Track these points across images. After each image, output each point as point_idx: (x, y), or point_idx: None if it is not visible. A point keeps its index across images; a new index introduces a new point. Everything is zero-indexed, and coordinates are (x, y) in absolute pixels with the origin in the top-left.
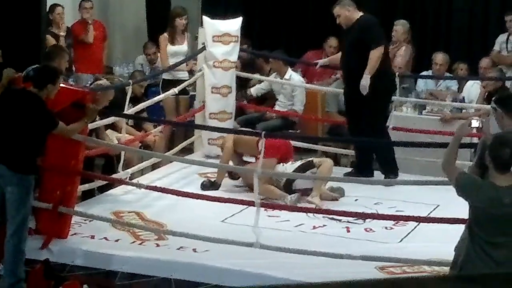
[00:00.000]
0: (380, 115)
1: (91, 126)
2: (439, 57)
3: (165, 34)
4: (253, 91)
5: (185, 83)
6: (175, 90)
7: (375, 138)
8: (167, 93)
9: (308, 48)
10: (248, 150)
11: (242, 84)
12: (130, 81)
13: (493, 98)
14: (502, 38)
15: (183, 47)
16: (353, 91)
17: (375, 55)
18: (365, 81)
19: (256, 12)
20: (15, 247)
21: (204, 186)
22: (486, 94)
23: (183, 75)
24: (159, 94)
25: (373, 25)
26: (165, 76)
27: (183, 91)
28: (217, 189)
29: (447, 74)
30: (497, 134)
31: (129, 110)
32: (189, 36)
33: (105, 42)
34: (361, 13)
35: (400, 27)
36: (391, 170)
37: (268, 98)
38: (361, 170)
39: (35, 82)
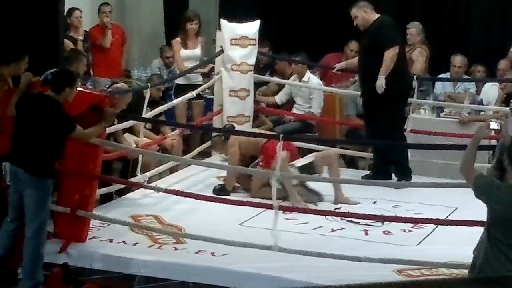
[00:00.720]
0: (396, 117)
1: (109, 130)
2: (458, 60)
3: (178, 39)
4: (278, 99)
5: (202, 87)
6: (193, 93)
7: (391, 140)
8: (184, 96)
9: (326, 51)
10: (251, 150)
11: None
12: (148, 84)
13: (511, 100)
14: None
15: (195, 51)
16: (369, 93)
17: (389, 55)
18: (380, 82)
19: (274, 14)
20: (33, 251)
21: (216, 191)
22: (505, 96)
23: (197, 79)
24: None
25: (388, 25)
26: (178, 81)
27: (197, 96)
28: (228, 195)
29: (465, 77)
30: None
31: (147, 113)
32: (203, 40)
33: (123, 46)
34: (378, 15)
35: (414, 29)
36: (404, 174)
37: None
38: (379, 173)
39: (53, 86)
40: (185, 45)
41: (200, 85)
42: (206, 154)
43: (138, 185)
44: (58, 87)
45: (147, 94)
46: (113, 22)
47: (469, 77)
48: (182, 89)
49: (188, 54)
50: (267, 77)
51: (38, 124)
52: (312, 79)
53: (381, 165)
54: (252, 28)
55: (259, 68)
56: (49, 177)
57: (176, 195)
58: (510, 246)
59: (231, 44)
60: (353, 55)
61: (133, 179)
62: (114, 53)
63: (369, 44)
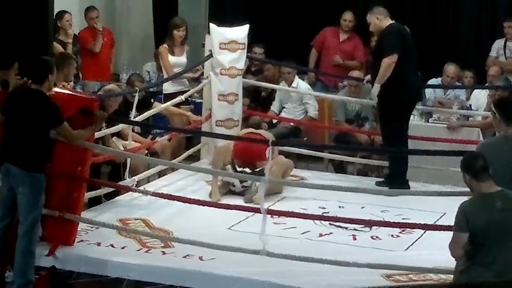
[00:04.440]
0: (397, 125)
1: (97, 134)
2: (451, 70)
3: (165, 45)
4: (275, 109)
5: (191, 91)
6: (182, 97)
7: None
8: (172, 101)
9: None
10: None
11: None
12: (137, 88)
13: (493, 101)
14: (499, 43)
15: (181, 59)
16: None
17: (385, 63)
18: (374, 90)
19: (264, 19)
20: (25, 248)
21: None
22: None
23: (183, 87)
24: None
25: (389, 33)
26: (167, 90)
27: (185, 101)
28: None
29: (456, 83)
30: (467, 152)
31: (136, 118)
32: (188, 49)
33: (112, 49)
34: (391, 22)
35: None
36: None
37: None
38: (394, 181)
39: (34, 78)
40: (171, 52)
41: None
42: (195, 158)
43: (127, 189)
44: (40, 77)
45: (136, 98)
46: (103, 25)
47: (460, 84)
48: (171, 98)
49: (175, 61)
50: (255, 82)
51: (26, 117)
52: (301, 84)
53: (396, 173)
54: (241, 32)
55: (250, 72)
56: (40, 172)
57: (165, 198)
58: (490, 251)
59: (220, 48)
60: (346, 25)
61: (121, 183)
62: (103, 57)
63: (375, 51)
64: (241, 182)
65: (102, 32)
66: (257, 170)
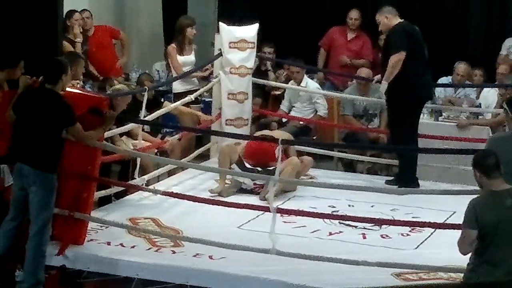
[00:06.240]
0: (404, 123)
1: (106, 134)
2: (461, 68)
3: (173, 45)
4: (285, 108)
5: (201, 90)
6: (192, 97)
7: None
8: (182, 100)
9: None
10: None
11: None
12: (146, 87)
13: (504, 101)
14: (509, 42)
15: (190, 58)
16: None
17: (392, 60)
18: (382, 88)
19: (273, 17)
20: (36, 248)
21: None
22: (504, 101)
23: (193, 86)
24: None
25: (396, 31)
26: (176, 90)
27: (194, 101)
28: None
29: (467, 82)
30: (479, 149)
31: (146, 117)
32: (195, 47)
33: (117, 38)
34: (400, 20)
35: None
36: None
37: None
38: (403, 179)
39: (48, 78)
40: (180, 51)
41: (198, 91)
42: (204, 157)
43: (136, 188)
44: (54, 77)
45: (145, 97)
46: (94, 25)
47: (470, 83)
48: (181, 98)
49: (184, 60)
50: (265, 81)
51: (40, 116)
52: (310, 83)
53: (406, 172)
54: (250, 31)
55: (260, 72)
56: (53, 172)
57: (174, 197)
58: (498, 250)
59: (230, 47)
60: (353, 23)
61: (131, 182)
62: (105, 56)
63: (384, 50)
64: (253, 179)
65: (92, 33)
66: (270, 169)
